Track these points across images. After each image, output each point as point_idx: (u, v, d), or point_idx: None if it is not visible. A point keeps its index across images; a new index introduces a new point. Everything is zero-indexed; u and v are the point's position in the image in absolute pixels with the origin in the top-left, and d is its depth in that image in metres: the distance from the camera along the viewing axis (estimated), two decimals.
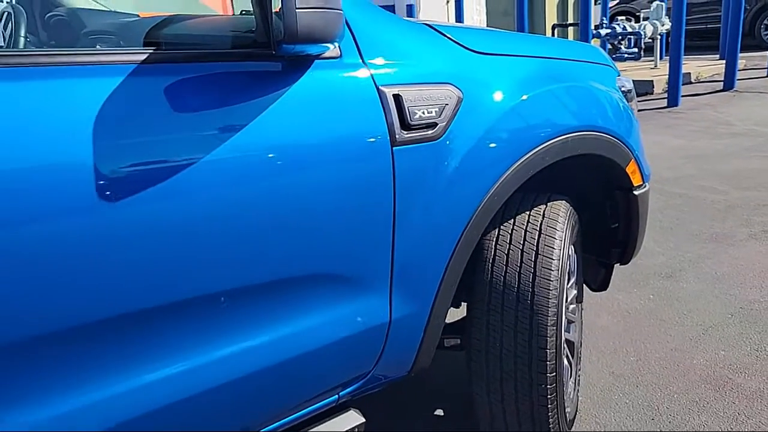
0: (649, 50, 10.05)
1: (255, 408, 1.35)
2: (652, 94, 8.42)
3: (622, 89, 2.17)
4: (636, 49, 8.75)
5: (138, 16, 2.06)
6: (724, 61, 8.54)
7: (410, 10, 9.02)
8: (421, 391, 2.37)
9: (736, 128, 6.31)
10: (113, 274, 1.06)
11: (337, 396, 1.53)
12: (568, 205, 1.92)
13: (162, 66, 1.16)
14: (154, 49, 1.16)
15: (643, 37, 8.69)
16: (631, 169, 2.03)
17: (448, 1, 12.22)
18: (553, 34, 10.07)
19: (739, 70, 8.58)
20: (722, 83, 8.41)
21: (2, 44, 1.86)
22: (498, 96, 1.64)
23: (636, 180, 2.07)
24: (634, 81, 9.00)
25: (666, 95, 7.77)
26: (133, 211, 1.07)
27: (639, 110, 6.62)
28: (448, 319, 1.76)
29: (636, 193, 2.10)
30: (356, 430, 1.57)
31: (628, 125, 2.03)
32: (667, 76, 7.68)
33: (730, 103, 7.59)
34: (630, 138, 2.01)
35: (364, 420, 1.58)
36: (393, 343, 1.55)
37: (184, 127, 1.15)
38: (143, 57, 1.13)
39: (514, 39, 2.11)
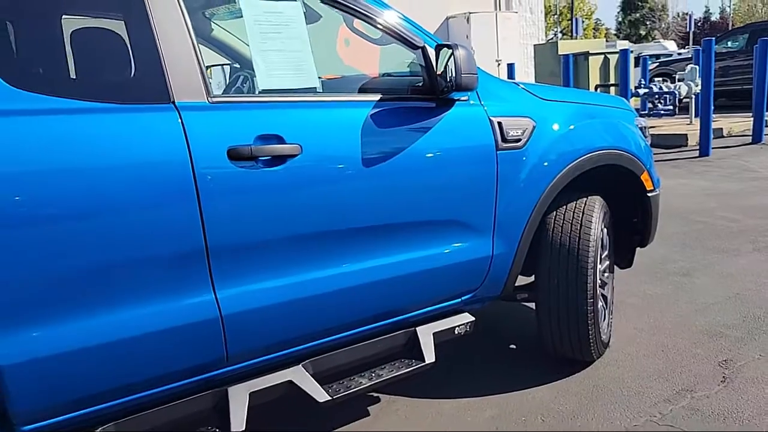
0: (686, 108, 11.03)
1: (426, 292, 2.41)
2: (686, 146, 9.35)
3: (639, 126, 3.22)
4: (671, 107, 9.76)
5: (322, 77, 3.21)
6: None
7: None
8: (500, 336, 3.38)
9: (758, 174, 7.20)
10: (367, 208, 2.16)
11: (459, 299, 2.56)
12: (602, 200, 2.93)
13: (383, 102, 2.26)
14: (381, 95, 2.26)
15: (677, 96, 9.70)
16: (644, 177, 3.04)
17: (499, 63, 13.49)
18: None
19: (767, 126, 9.46)
20: (751, 137, 9.31)
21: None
22: (555, 126, 2.71)
23: (648, 186, 3.09)
24: (670, 135, 9.91)
25: (698, 147, 8.70)
26: (374, 178, 2.16)
27: (673, 159, 7.81)
28: (520, 283, 2.80)
29: (649, 195, 3.11)
30: (469, 325, 2.59)
31: (642, 148, 3.06)
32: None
33: (757, 154, 8.48)
34: (643, 156, 3.03)
35: (474, 319, 2.60)
36: (493, 271, 2.58)
37: (391, 135, 2.25)
38: (378, 98, 2.23)
39: (566, 91, 3.18)
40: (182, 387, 1.92)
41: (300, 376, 2.14)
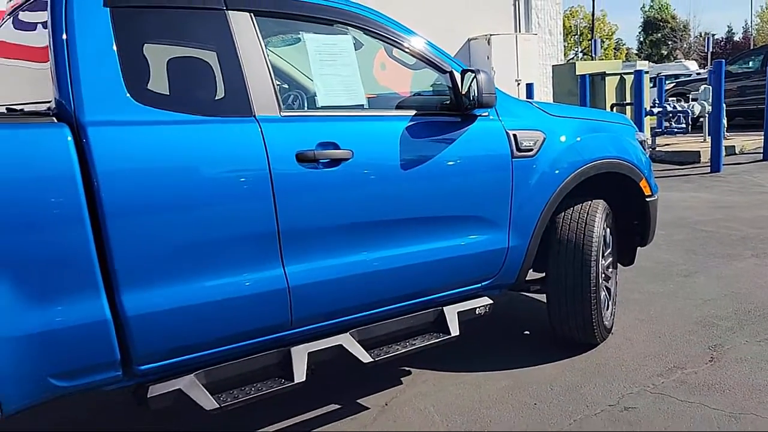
0: (701, 127, 11.41)
1: (453, 276, 2.86)
2: (699, 162, 9.73)
3: (639, 140, 3.66)
4: (684, 125, 10.17)
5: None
6: None
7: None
8: (513, 323, 3.81)
9: (765, 189, 7.56)
10: (405, 203, 2.63)
11: (480, 285, 3.01)
12: (605, 203, 3.37)
13: (417, 117, 2.74)
14: (415, 111, 2.74)
15: (690, 114, 10.10)
16: (643, 184, 3.48)
17: (519, 83, 13.97)
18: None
19: None
20: (762, 154, 9.65)
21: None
22: (563, 138, 3.17)
23: (647, 191, 3.52)
24: (684, 152, 10.28)
25: (710, 163, 9.07)
26: (410, 178, 2.63)
27: (686, 174, 8.33)
28: (532, 278, 3.25)
29: (647, 200, 3.54)
30: (488, 306, 3.03)
31: (641, 159, 3.50)
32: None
33: (766, 170, 8.83)
34: (642, 166, 3.46)
35: (492, 302, 3.05)
36: (508, 261, 3.03)
37: (424, 144, 2.72)
38: (413, 113, 2.72)
39: (573, 109, 3.65)
40: (256, 344, 2.39)
41: (348, 341, 2.60)
